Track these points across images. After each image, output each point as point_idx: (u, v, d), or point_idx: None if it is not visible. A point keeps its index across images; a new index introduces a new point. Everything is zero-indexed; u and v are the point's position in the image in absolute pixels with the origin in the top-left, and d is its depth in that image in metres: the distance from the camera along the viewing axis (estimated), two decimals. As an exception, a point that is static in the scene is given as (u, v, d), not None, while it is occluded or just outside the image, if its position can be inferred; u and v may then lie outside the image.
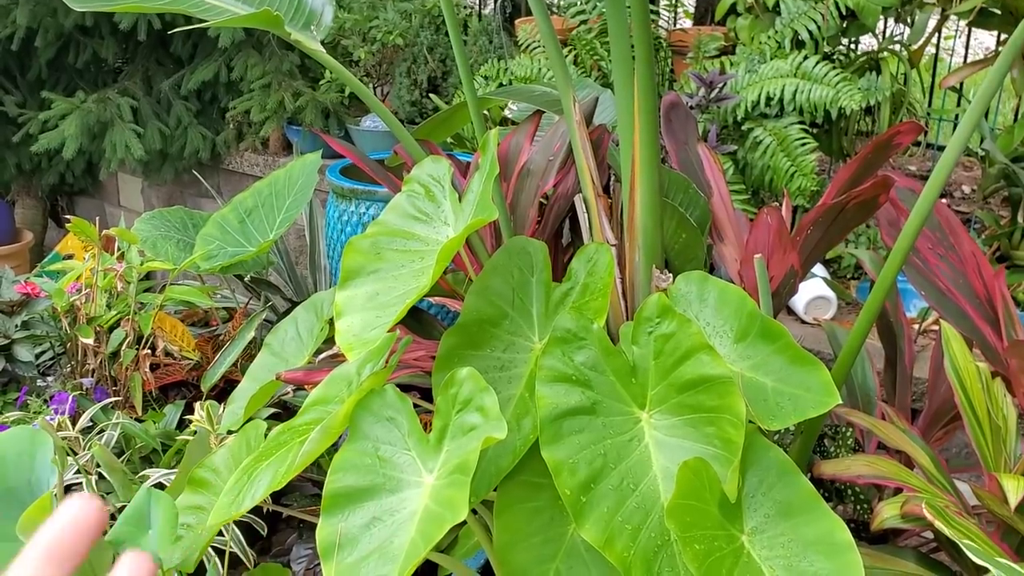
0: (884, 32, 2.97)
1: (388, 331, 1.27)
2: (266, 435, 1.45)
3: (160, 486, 1.85)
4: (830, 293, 2.39)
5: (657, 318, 1.19)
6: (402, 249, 1.34)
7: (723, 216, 1.55)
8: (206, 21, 1.30)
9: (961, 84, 2.83)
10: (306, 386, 1.69)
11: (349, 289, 1.31)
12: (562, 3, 2.81)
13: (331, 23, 1.43)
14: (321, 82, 3.12)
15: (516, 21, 3.06)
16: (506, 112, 2.23)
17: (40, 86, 3.53)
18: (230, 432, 1.76)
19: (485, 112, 2.58)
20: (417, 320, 1.65)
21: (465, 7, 3.12)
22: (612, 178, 1.65)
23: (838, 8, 2.52)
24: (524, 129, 1.63)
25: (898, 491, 1.44)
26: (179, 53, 3.47)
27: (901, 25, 2.82)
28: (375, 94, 3.23)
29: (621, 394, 1.18)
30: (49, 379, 2.44)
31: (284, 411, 2.16)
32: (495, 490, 1.26)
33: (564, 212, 1.60)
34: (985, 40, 3.82)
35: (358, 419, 1.19)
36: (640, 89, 1.32)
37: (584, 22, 2.72)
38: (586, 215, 1.50)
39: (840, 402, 1.13)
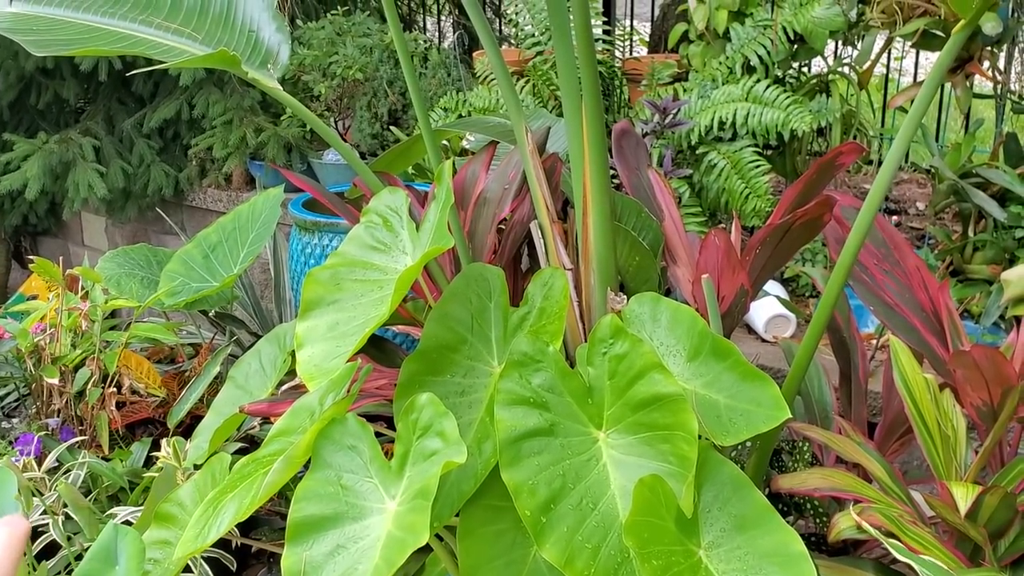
0: (834, 55, 3.05)
1: (349, 360, 1.29)
2: (231, 468, 1.46)
3: (128, 523, 1.85)
4: (789, 311, 2.44)
5: (611, 339, 1.22)
6: (361, 279, 1.36)
7: (675, 239, 1.59)
8: (165, 62, 1.33)
9: (911, 103, 2.91)
10: (271, 418, 1.70)
11: (309, 320, 1.33)
12: (519, 34, 2.86)
13: (287, 61, 1.46)
14: (283, 117, 3.15)
15: (474, 53, 3.11)
16: (464, 143, 2.27)
17: (2, 128, 3.53)
18: (196, 467, 1.77)
19: (445, 142, 2.62)
20: (380, 349, 1.67)
21: (424, 40, 3.17)
22: (568, 204, 1.68)
23: (787, 33, 2.59)
24: (480, 159, 1.67)
25: (856, 504, 1.48)
26: (140, 92, 3.48)
27: (849, 48, 2.89)
28: (337, 128, 3.26)
29: (578, 415, 1.21)
30: (14, 421, 2.43)
31: (251, 445, 2.16)
32: (458, 515, 1.28)
33: (521, 238, 1.63)
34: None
35: (320, 448, 1.21)
36: (588, 119, 1.36)
37: (540, 53, 2.78)
38: (542, 241, 1.53)
39: (790, 416, 1.16)
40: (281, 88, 1.46)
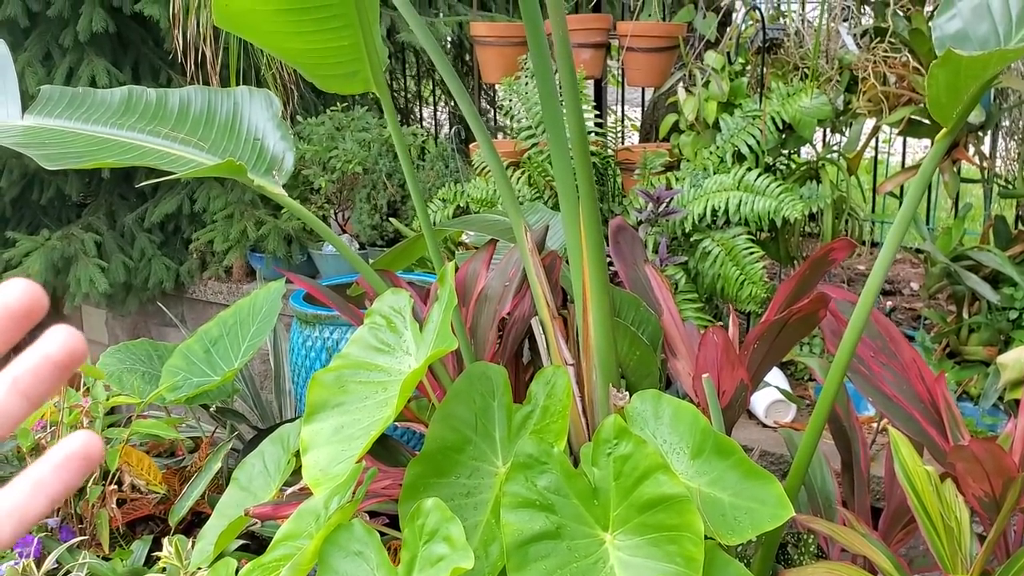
0: (823, 141, 3.12)
1: (354, 463, 1.30)
2: (237, 572, 1.45)
3: (128, 628, 1.83)
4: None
5: (615, 439, 1.23)
6: (366, 381, 1.38)
7: (674, 332, 1.61)
8: (174, 173, 1.37)
9: (901, 188, 2.97)
10: (276, 519, 1.70)
11: (315, 423, 1.35)
12: (514, 126, 2.92)
13: (291, 168, 1.50)
14: (283, 211, 3.20)
15: (471, 145, 3.17)
16: (464, 238, 2.30)
17: (4, 224, 3.58)
18: (199, 570, 1.76)
19: (446, 235, 2.66)
20: (383, 446, 1.68)
21: (421, 134, 3.23)
22: (568, 299, 1.71)
23: (775, 122, 2.65)
24: (480, 256, 1.70)
25: (863, 596, 1.47)
26: (142, 188, 3.54)
27: (837, 135, 2.96)
28: (337, 219, 3.31)
29: (584, 517, 1.22)
30: (13, 521, 2.40)
31: (253, 541, 2.15)
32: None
33: (522, 334, 1.66)
34: (922, 144, 4.02)
35: (327, 555, 1.21)
36: (585, 217, 1.40)
37: (535, 144, 2.84)
38: (543, 337, 1.56)
39: (794, 515, 1.17)
40: (286, 194, 1.50)
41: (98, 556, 2.18)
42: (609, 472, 1.22)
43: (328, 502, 1.31)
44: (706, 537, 1.17)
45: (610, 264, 1.82)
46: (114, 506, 2.32)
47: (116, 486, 2.33)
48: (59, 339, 0.38)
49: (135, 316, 3.76)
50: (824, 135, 3.10)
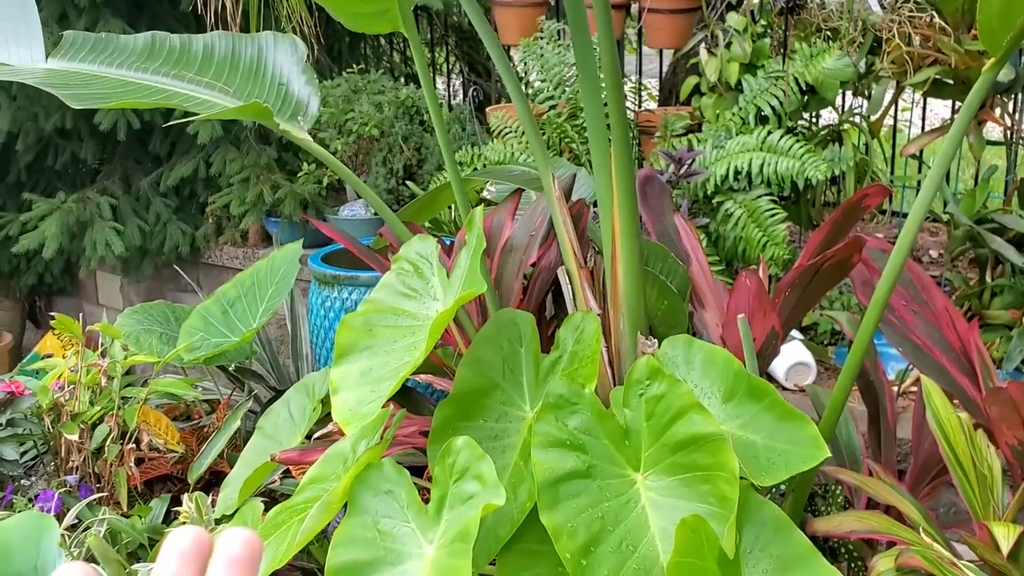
0: (844, 105, 3.08)
1: (382, 406, 1.29)
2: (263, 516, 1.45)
3: (150, 580, 1.83)
4: (810, 359, 2.43)
5: (647, 380, 1.22)
6: (393, 325, 1.37)
7: (703, 283, 1.59)
8: (200, 114, 1.35)
9: (921, 152, 2.94)
10: (299, 468, 1.69)
11: (343, 366, 1.34)
12: (531, 91, 2.91)
13: (316, 113, 1.48)
14: (299, 174, 3.18)
15: (487, 109, 3.15)
16: (484, 194, 2.29)
17: (20, 188, 3.57)
18: (219, 521, 1.75)
19: (463, 194, 2.64)
20: (406, 398, 1.67)
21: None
22: (595, 250, 1.69)
23: (799, 84, 2.63)
24: (505, 207, 1.68)
25: (891, 546, 1.46)
26: (157, 151, 3.52)
27: (860, 98, 2.93)
28: (353, 183, 3.30)
29: (616, 457, 1.21)
30: (33, 478, 2.41)
31: (272, 501, 2.14)
32: (493, 563, 1.27)
33: (548, 284, 1.64)
34: (940, 109, 3.98)
35: (357, 493, 1.20)
36: (617, 163, 1.38)
37: (554, 107, 2.82)
38: (569, 286, 1.54)
39: (829, 455, 1.16)
40: (311, 139, 1.48)
41: (117, 513, 2.18)
42: (641, 412, 1.21)
43: (356, 445, 1.30)
44: (740, 478, 1.16)
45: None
46: (132, 465, 2.32)
47: (134, 445, 2.33)
48: (238, 539, 0.39)
49: (150, 281, 3.76)
50: (845, 98, 3.07)
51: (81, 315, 2.75)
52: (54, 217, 3.28)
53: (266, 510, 2.07)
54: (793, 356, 2.43)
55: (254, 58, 1.55)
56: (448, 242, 2.31)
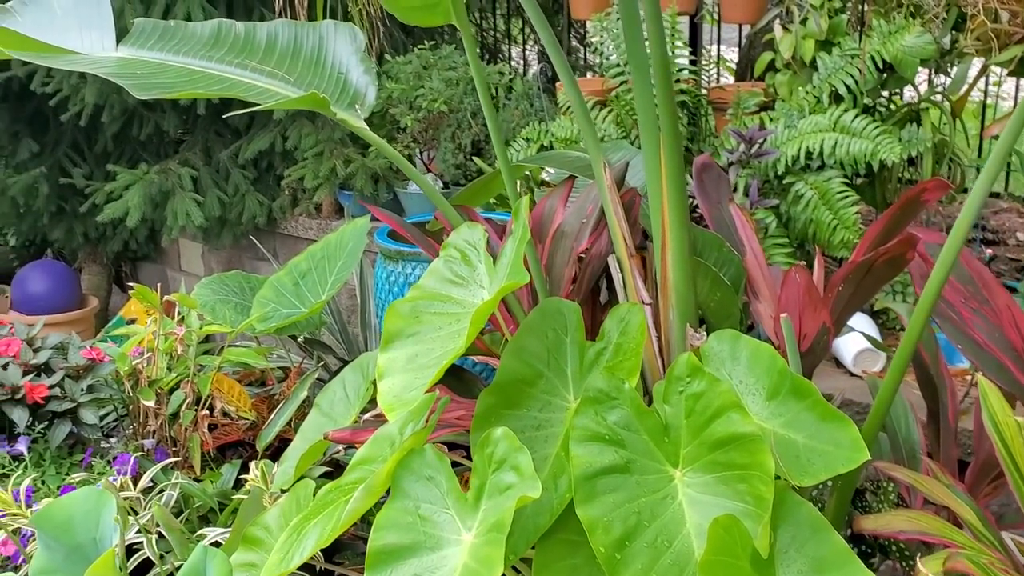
0: (928, 82, 2.98)
1: (426, 392, 1.32)
2: (315, 494, 1.50)
3: (217, 544, 1.91)
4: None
5: (688, 377, 1.22)
6: (439, 312, 1.39)
7: (757, 274, 1.58)
8: (260, 104, 1.39)
9: (1006, 132, 2.82)
10: (354, 444, 1.74)
11: (390, 351, 1.37)
12: (604, 63, 2.87)
13: (374, 102, 1.51)
14: (370, 149, 3.23)
15: (557, 84, 3.13)
16: (544, 174, 2.29)
17: (106, 159, 3.70)
18: (283, 491, 1.82)
19: (527, 173, 2.64)
20: (458, 379, 1.70)
21: (508, 72, 3.21)
22: (647, 238, 1.69)
23: (875, 62, 2.55)
24: (558, 193, 1.69)
25: (945, 548, 1.43)
26: (236, 124, 3.62)
27: (942, 76, 2.83)
28: (422, 158, 3.33)
29: (654, 453, 1.21)
30: (112, 441, 2.52)
31: (336, 469, 2.21)
32: (534, 548, 1.29)
33: (599, 272, 1.64)
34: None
35: (399, 478, 1.24)
36: (666, 153, 1.37)
37: (624, 82, 2.79)
38: (620, 275, 1.54)
39: (868, 458, 1.15)
40: (368, 128, 1.51)
41: (190, 477, 2.28)
42: (681, 409, 1.21)
43: (403, 428, 1.34)
44: (778, 478, 1.16)
45: (693, 203, 1.78)
46: (205, 431, 2.41)
47: (208, 411, 2.42)
48: None
49: (229, 250, 3.87)
50: (928, 75, 2.96)
51: (163, 281, 2.86)
52: (137, 187, 3.40)
53: (331, 477, 2.14)
54: (861, 342, 2.38)
55: (315, 47, 1.58)
56: (508, 219, 2.33)
